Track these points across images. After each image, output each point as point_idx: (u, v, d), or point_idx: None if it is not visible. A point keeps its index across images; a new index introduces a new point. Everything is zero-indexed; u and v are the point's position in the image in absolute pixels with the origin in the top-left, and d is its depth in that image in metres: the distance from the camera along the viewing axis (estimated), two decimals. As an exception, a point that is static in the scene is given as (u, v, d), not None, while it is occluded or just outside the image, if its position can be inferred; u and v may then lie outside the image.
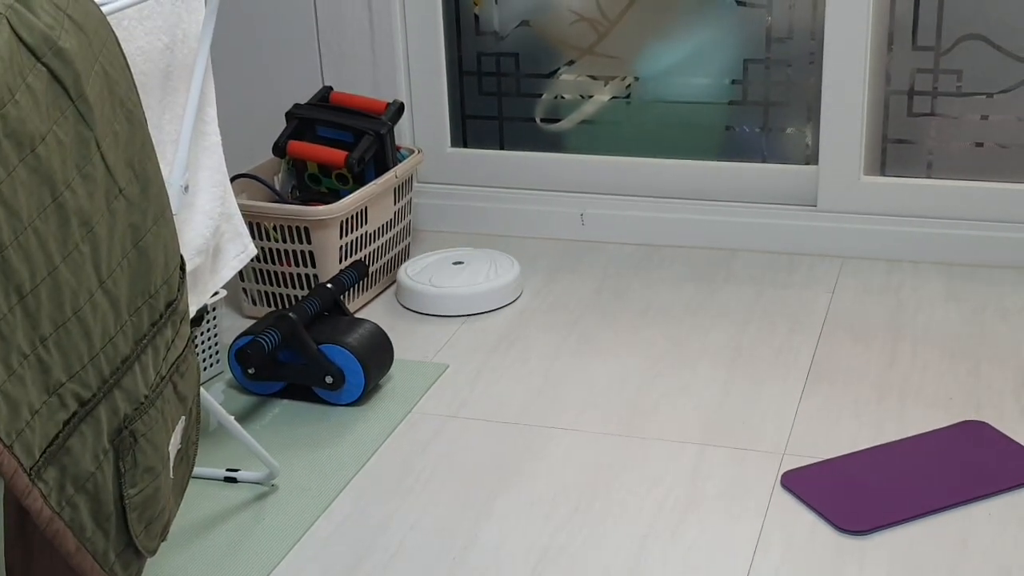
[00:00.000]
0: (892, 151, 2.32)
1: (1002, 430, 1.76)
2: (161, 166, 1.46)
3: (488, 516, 1.63)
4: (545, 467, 1.73)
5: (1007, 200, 2.26)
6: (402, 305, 2.23)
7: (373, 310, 2.24)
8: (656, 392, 1.91)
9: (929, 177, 2.31)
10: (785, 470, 1.69)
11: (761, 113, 2.38)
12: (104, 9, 1.23)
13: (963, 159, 2.29)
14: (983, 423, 1.77)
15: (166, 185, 1.41)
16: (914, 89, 2.28)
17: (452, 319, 2.17)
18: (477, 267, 2.24)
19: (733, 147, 2.42)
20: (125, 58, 1.21)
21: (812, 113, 2.34)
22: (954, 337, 2.03)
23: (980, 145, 2.28)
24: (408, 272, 2.24)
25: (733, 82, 2.37)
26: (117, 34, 1.30)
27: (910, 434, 1.76)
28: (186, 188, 1.48)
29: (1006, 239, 2.26)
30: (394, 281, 2.34)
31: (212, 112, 1.55)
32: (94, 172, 1.11)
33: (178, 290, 1.27)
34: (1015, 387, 1.87)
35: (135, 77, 1.38)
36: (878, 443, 1.74)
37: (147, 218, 1.20)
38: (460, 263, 2.27)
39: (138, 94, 1.22)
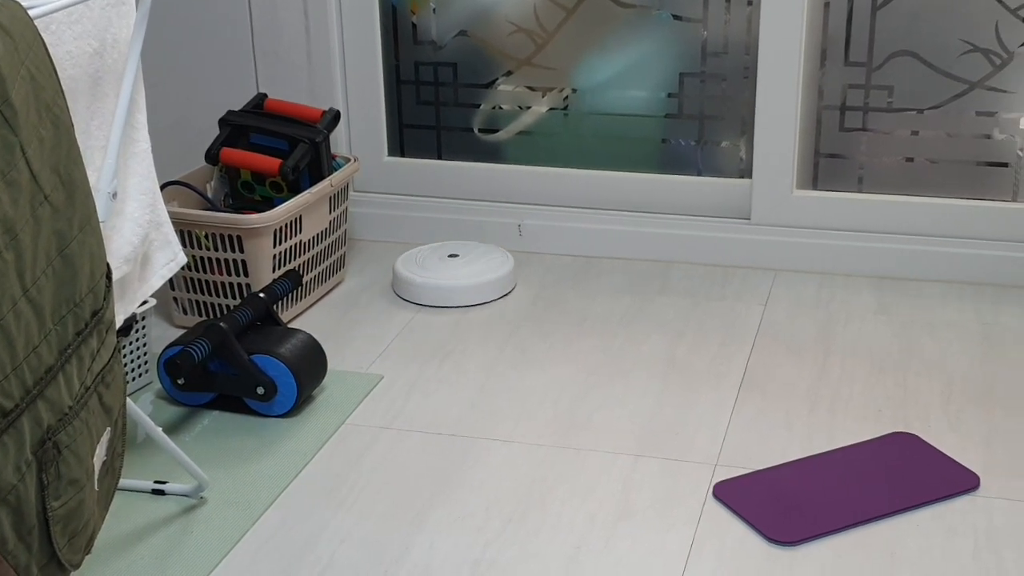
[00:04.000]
0: (824, 165, 2.35)
1: (930, 442, 1.78)
2: (89, 173, 1.43)
3: (420, 529, 1.62)
4: (479, 479, 1.72)
5: (936, 215, 2.30)
6: (399, 296, 2.29)
7: (307, 320, 2.22)
8: (591, 403, 1.91)
9: (860, 191, 2.34)
10: (717, 481, 1.69)
11: (696, 126, 2.39)
12: (31, 13, 1.21)
13: (893, 174, 2.32)
14: (911, 435, 1.79)
15: (93, 192, 1.39)
16: (846, 104, 2.31)
17: (389, 324, 2.16)
18: (474, 259, 2.32)
19: (669, 160, 2.43)
20: (52, 62, 1.19)
21: (746, 127, 2.36)
22: (883, 350, 2.05)
23: (910, 160, 2.31)
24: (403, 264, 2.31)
25: (669, 95, 2.39)
26: (45, 38, 1.28)
27: (840, 445, 1.78)
28: (114, 195, 1.45)
29: (935, 253, 2.30)
30: (329, 291, 2.32)
31: (142, 118, 1.53)
32: (19, 178, 1.09)
33: (104, 299, 1.24)
34: (943, 400, 1.90)
35: (63, 82, 1.35)
36: (808, 454, 1.75)
37: (73, 225, 1.18)
38: (456, 255, 2.33)
39: (65, 99, 1.20)
